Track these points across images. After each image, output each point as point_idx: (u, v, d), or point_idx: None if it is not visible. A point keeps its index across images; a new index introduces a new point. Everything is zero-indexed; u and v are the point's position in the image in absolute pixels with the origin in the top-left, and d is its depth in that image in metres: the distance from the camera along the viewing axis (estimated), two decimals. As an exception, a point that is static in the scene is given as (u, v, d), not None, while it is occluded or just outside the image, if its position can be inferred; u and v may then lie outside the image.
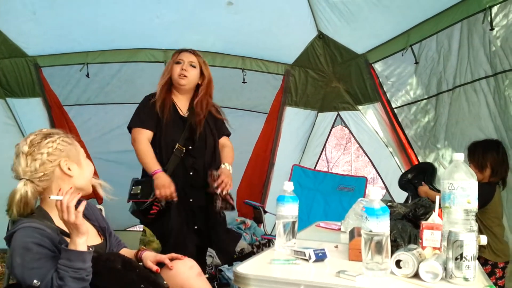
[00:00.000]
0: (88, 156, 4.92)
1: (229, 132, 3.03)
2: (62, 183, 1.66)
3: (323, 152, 5.13)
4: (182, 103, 2.88)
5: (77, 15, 3.96)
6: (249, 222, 4.80)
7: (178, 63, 2.81)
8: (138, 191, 2.68)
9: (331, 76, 4.65)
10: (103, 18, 4.02)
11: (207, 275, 2.55)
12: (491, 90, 3.01)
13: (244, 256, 4.15)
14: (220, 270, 3.83)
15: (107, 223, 1.95)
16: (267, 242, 4.33)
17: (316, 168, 4.97)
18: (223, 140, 2.98)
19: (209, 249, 3.95)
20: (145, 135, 2.74)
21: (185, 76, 2.79)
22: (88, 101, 4.66)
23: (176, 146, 2.75)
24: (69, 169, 1.67)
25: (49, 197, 1.59)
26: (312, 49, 4.48)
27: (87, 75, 4.45)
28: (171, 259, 1.87)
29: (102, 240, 1.86)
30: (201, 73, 2.88)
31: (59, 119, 4.63)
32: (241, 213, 4.95)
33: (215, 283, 3.67)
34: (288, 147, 4.97)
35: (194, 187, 2.79)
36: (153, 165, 2.67)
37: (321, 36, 4.31)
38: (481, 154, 2.88)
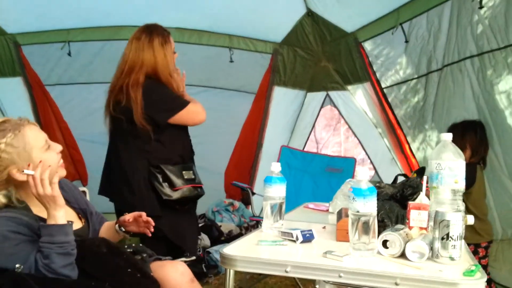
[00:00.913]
0: (70, 137, 4.71)
1: None
2: (20, 182, 1.58)
3: (312, 133, 5.10)
4: None
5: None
6: (237, 203, 4.78)
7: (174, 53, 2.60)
8: (193, 176, 2.60)
9: (320, 55, 4.60)
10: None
11: (193, 257, 2.51)
12: (475, 70, 2.99)
13: (232, 237, 4.15)
14: (208, 252, 3.82)
15: (87, 203, 1.90)
16: (256, 223, 4.32)
17: (305, 149, 4.95)
18: None
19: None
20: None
21: (177, 69, 2.64)
22: (70, 81, 4.56)
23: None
24: (23, 172, 1.56)
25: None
26: (301, 27, 4.41)
27: (69, 54, 4.35)
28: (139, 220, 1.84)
29: (83, 223, 1.81)
30: None
31: (40, 99, 4.54)
32: (229, 195, 4.93)
33: (203, 265, 3.66)
34: (277, 127, 4.93)
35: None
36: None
37: (310, 14, 4.24)
38: (460, 135, 2.88)
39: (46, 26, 4.28)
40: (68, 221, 1.54)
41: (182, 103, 2.51)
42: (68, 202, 1.78)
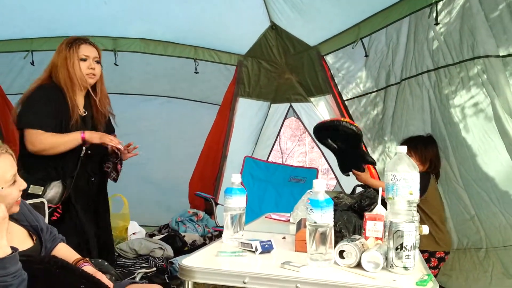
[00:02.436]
0: None
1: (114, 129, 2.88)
2: None
3: (277, 143, 5.15)
4: (80, 101, 2.64)
5: (19, 0, 3.77)
6: (201, 213, 4.77)
7: (83, 60, 2.57)
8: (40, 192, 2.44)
9: (284, 68, 4.66)
10: (48, 3, 3.84)
11: (154, 268, 2.50)
12: (432, 84, 3.11)
13: (195, 248, 4.13)
14: (171, 262, 3.78)
15: (37, 219, 1.82)
16: (219, 233, 4.31)
17: (268, 160, 4.99)
18: None
19: (160, 241, 3.93)
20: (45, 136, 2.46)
21: (94, 75, 2.60)
22: (32, 90, 4.46)
23: (83, 150, 2.54)
24: None
25: None
26: (265, 40, 4.47)
27: (32, 63, 4.26)
28: None
29: (35, 242, 1.74)
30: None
31: (1, 108, 4.41)
32: (193, 205, 4.92)
33: (165, 276, 3.62)
34: (241, 138, 4.95)
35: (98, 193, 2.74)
36: (74, 133, 2.48)
37: (273, 27, 4.31)
38: (424, 148, 3.05)
39: (8, 34, 4.19)
40: (11, 247, 1.46)
41: (32, 119, 2.46)
42: (17, 221, 1.72)
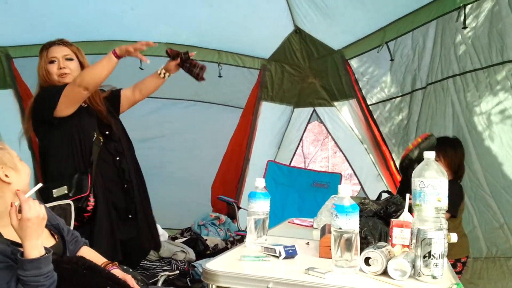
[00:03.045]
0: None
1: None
2: (1, 191, 1.57)
3: (300, 148, 5.13)
4: None
5: (49, 6, 3.86)
6: (223, 217, 4.77)
7: (52, 62, 2.56)
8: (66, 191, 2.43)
9: (307, 72, 4.64)
10: (76, 9, 3.92)
11: (177, 272, 2.50)
12: (456, 89, 3.05)
13: (217, 251, 4.13)
14: (193, 265, 3.79)
15: (59, 220, 1.85)
16: (241, 238, 4.31)
17: (291, 164, 4.97)
18: (125, 91, 2.85)
19: (182, 244, 3.94)
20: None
21: (65, 73, 2.54)
22: (60, 93, 4.55)
23: (95, 135, 2.55)
24: (6, 175, 1.57)
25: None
26: (289, 44, 4.45)
27: (60, 67, 4.35)
28: None
29: (56, 240, 1.77)
30: (80, 64, 2.66)
31: (30, 111, 4.53)
32: (215, 209, 4.92)
33: (187, 279, 3.63)
34: (264, 142, 4.95)
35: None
36: (104, 57, 2.44)
37: (297, 31, 4.29)
38: (454, 152, 2.85)
39: (38, 39, 4.26)
40: (44, 247, 1.50)
41: (57, 89, 2.43)
42: None
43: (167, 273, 2.40)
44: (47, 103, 2.44)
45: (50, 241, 1.73)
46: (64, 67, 2.54)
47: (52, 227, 1.79)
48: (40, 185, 1.65)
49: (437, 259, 1.46)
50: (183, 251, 3.75)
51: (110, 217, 2.53)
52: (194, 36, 4.42)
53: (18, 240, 1.48)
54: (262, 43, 4.53)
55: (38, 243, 1.46)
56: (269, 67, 4.71)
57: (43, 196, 2.36)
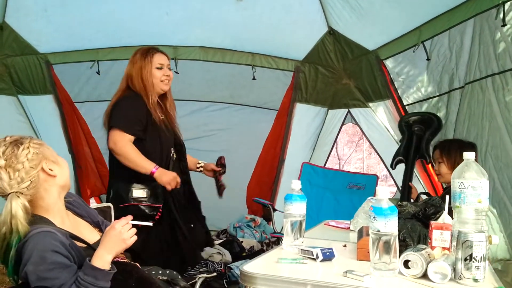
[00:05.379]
0: (98, 153, 4.90)
1: None
2: (47, 185, 1.62)
3: (334, 149, 5.09)
4: (156, 107, 2.82)
5: (87, 13, 3.99)
6: (258, 219, 4.79)
7: (159, 68, 2.77)
8: (145, 195, 2.63)
9: (342, 73, 4.61)
10: (113, 16, 4.05)
11: (215, 273, 2.53)
12: (495, 89, 2.96)
13: (253, 254, 4.15)
14: (229, 267, 3.82)
15: (99, 217, 1.91)
16: (277, 240, 4.31)
17: (326, 166, 4.94)
18: None
19: (218, 246, 3.98)
20: (128, 138, 2.64)
21: (168, 81, 2.82)
22: (99, 98, 4.65)
23: (172, 151, 2.78)
24: (50, 169, 1.62)
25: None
26: (323, 45, 4.44)
27: (98, 72, 4.48)
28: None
29: (100, 236, 1.81)
30: None
31: (70, 115, 4.68)
32: (250, 211, 4.94)
33: (224, 281, 3.67)
34: (298, 144, 4.94)
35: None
36: (150, 163, 2.62)
37: (331, 32, 4.28)
38: (459, 153, 2.76)
39: (77, 46, 4.43)
40: (111, 266, 1.56)
41: (120, 120, 2.66)
42: (82, 217, 1.81)
43: (204, 275, 2.42)
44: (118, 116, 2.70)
45: (95, 235, 1.78)
46: (168, 75, 2.81)
47: (93, 224, 1.85)
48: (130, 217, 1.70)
49: (478, 261, 1.43)
50: (220, 253, 3.79)
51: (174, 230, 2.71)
52: (228, 39, 4.48)
53: (73, 232, 1.57)
54: (295, 45, 4.53)
55: (107, 257, 1.54)
56: (302, 68, 4.71)
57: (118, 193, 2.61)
